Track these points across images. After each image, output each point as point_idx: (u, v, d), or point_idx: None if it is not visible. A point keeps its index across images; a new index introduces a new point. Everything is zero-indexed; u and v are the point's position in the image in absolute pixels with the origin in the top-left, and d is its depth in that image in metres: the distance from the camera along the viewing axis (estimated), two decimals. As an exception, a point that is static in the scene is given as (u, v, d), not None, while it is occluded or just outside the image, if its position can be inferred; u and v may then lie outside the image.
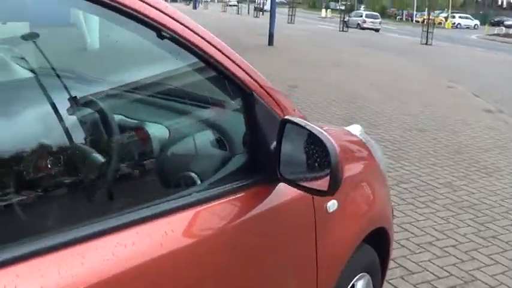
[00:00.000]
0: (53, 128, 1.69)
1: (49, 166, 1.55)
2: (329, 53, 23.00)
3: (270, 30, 23.55)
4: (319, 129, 1.82)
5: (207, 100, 2.19)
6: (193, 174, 1.95)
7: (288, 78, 13.92)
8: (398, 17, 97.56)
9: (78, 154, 1.71)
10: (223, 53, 1.86)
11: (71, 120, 1.79)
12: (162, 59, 2.02)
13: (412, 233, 5.29)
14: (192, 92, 2.21)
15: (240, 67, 1.93)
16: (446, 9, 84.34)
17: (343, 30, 44.62)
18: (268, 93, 2.03)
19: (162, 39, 1.66)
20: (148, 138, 2.00)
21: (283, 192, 2.01)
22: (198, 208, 1.74)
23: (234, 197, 1.87)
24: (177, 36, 1.69)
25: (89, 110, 1.85)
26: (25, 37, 1.78)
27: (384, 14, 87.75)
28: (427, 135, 9.56)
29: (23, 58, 1.97)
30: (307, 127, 1.84)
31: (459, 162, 7.97)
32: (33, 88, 1.82)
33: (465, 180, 7.14)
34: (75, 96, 1.82)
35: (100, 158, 1.73)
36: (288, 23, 47.32)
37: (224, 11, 73.88)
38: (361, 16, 58.10)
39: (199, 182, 1.93)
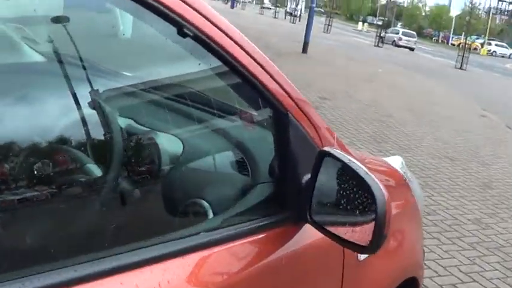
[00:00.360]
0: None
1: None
2: (362, 67, 22.67)
3: (305, 37, 23.25)
4: (364, 169, 1.53)
5: (232, 111, 1.89)
6: (204, 203, 1.67)
7: (319, 89, 13.68)
8: (434, 38, 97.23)
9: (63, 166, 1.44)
10: (257, 61, 1.59)
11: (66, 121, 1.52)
12: (184, 59, 1.72)
13: (436, 272, 4.97)
14: (215, 100, 1.90)
15: (276, 81, 1.65)
16: (483, 36, 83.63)
17: (378, 46, 44.24)
18: (306, 116, 1.76)
19: (184, 37, 1.40)
20: (157, 151, 1.70)
21: (310, 234, 1.71)
22: (207, 252, 1.44)
23: (251, 239, 1.59)
24: (202, 36, 1.43)
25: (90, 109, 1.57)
26: (55, 20, 1.59)
27: (420, 33, 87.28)
28: (457, 164, 9.23)
29: (34, 40, 1.82)
30: (351, 165, 1.55)
31: (488, 198, 7.64)
32: (41, 74, 1.68)
33: (494, 218, 6.81)
34: (96, 89, 1.60)
35: (92, 170, 1.48)
36: (324, 32, 47.15)
37: (261, 14, 73.70)
38: (398, 33, 57.82)
39: (210, 214, 1.65)
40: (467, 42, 37.77)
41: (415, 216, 2.76)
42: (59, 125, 1.51)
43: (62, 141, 1.47)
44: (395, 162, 2.92)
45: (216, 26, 1.47)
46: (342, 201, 1.58)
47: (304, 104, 1.77)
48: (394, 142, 9.79)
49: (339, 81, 16.41)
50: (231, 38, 1.51)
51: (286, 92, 1.68)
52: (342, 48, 32.14)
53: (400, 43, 54.31)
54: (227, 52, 1.50)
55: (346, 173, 1.56)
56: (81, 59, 1.62)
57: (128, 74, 2.03)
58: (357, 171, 1.53)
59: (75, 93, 1.51)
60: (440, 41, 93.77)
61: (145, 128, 1.78)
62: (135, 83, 1.87)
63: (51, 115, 1.52)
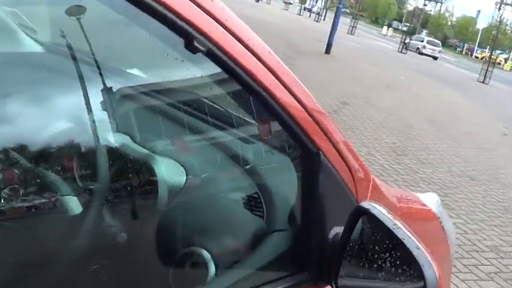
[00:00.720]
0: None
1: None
2: (385, 73, 22.41)
3: (329, 38, 22.97)
4: (415, 241, 1.26)
5: (251, 137, 1.60)
6: (204, 254, 1.37)
7: (340, 93, 13.46)
8: (458, 49, 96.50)
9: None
10: (290, 90, 1.29)
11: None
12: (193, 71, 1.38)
13: (452, 303, 4.66)
14: (229, 120, 1.60)
15: (310, 114, 1.35)
16: (507, 51, 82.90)
17: (401, 52, 43.86)
18: (342, 157, 1.47)
19: (194, 53, 1.08)
20: (153, 181, 1.41)
21: None
22: None
23: None
24: (218, 52, 1.13)
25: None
26: (69, 11, 1.34)
27: (444, 43, 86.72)
28: (477, 185, 8.90)
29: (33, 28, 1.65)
30: (397, 232, 1.28)
31: (508, 224, 7.31)
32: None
33: (514, 248, 6.47)
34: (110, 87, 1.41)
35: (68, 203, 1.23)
36: (348, 33, 46.73)
37: (286, 9, 73.28)
38: (422, 41, 57.21)
39: (212, 268, 1.36)
40: (491, 56, 37.22)
41: (447, 264, 2.48)
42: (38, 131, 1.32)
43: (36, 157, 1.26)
44: (430, 199, 2.66)
45: (236, 37, 1.18)
46: (378, 268, 1.32)
47: (340, 142, 1.49)
48: (414, 155, 9.51)
49: (361, 86, 16.12)
50: (255, 55, 1.22)
51: (320, 127, 1.40)
52: (366, 52, 31.87)
53: (424, 51, 53.82)
54: (254, 78, 1.22)
55: (389, 238, 1.30)
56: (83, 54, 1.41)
57: (133, 72, 1.76)
58: (405, 242, 1.26)
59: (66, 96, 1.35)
60: (464, 52, 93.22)
61: (141, 149, 1.49)
62: (137, 86, 1.60)
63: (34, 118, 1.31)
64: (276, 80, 1.26)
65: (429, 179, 8.20)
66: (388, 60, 30.32)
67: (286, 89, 1.29)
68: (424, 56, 51.10)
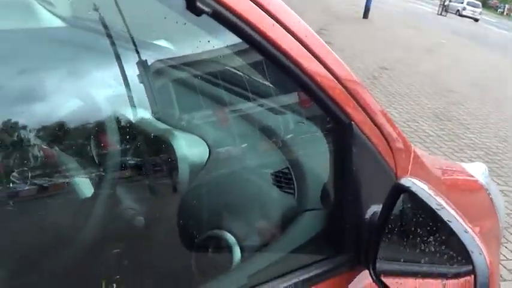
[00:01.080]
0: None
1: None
2: (424, 36, 21.97)
3: (367, 2, 22.54)
4: (463, 224, 1.16)
5: (282, 108, 1.49)
6: (229, 237, 1.29)
7: (379, 58, 13.23)
8: (499, 10, 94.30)
9: None
10: (319, 58, 1.18)
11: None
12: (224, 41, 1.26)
13: (500, 276, 4.45)
14: (259, 92, 1.49)
15: (341, 82, 1.23)
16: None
17: (441, 14, 43.02)
18: (379, 129, 1.35)
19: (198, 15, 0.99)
20: (172, 158, 1.32)
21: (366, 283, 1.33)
22: None
23: None
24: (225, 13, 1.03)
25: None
26: None
27: (485, 4, 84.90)
28: (526, 149, 8.60)
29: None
30: (441, 213, 1.17)
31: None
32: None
33: None
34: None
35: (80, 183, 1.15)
36: (386, -3, 46.00)
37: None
38: (462, 3, 56.03)
39: (237, 253, 1.29)
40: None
41: (495, 237, 2.32)
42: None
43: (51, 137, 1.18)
44: (477, 169, 2.51)
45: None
46: (420, 252, 1.24)
47: (375, 111, 1.35)
48: (458, 120, 9.29)
49: (400, 50, 15.84)
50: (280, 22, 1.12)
51: (352, 96, 1.27)
52: (405, 15, 31.35)
53: (464, 13, 52.77)
54: (276, 47, 1.11)
55: (433, 220, 1.21)
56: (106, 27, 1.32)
57: (160, 43, 1.65)
58: (451, 224, 1.17)
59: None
60: (505, 13, 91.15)
61: (161, 124, 1.39)
62: (164, 58, 1.51)
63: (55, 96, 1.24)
64: (302, 47, 1.16)
65: (474, 145, 7.98)
66: (427, 24, 29.77)
67: (314, 56, 1.18)
68: (464, 18, 50.18)
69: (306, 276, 1.24)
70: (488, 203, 2.31)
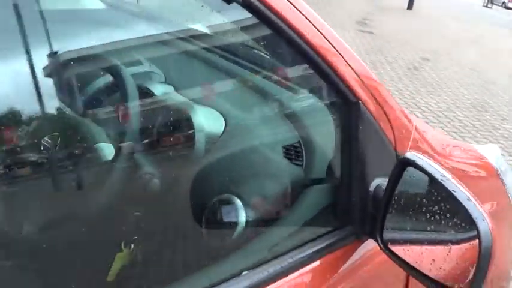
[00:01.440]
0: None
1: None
2: (469, 29, 21.73)
3: (412, -8, 22.44)
4: (466, 192, 1.21)
5: (290, 85, 1.57)
6: (237, 201, 1.37)
7: (422, 49, 13.22)
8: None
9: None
10: (326, 38, 1.25)
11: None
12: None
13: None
14: (272, 69, 1.59)
15: (348, 63, 1.30)
16: None
17: (487, 6, 42.29)
18: (382, 109, 1.40)
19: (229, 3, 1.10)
20: (190, 130, 1.41)
21: (371, 253, 1.43)
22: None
23: (304, 270, 1.29)
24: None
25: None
26: None
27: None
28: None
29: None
30: (446, 184, 1.22)
31: None
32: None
33: None
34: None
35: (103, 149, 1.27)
36: (430, -13, 45.39)
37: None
38: (509, -5, 54.93)
39: (242, 216, 1.36)
40: None
41: (507, 219, 2.30)
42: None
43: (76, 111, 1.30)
44: (490, 151, 2.49)
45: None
46: (426, 221, 1.27)
47: (382, 93, 1.42)
48: (495, 111, 9.31)
49: (443, 42, 15.77)
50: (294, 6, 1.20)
51: (358, 76, 1.33)
52: (450, 7, 30.86)
53: (510, 5, 51.70)
54: (293, 29, 1.19)
55: (438, 190, 1.25)
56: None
57: (178, 21, 1.75)
58: (455, 194, 1.21)
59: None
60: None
61: (181, 97, 1.50)
62: (178, 36, 1.60)
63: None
64: (313, 27, 1.23)
65: (509, 135, 8.06)
66: (472, 15, 29.34)
67: (324, 36, 1.25)
68: (510, 11, 49.19)
69: (314, 249, 1.30)
70: (499, 185, 2.27)
